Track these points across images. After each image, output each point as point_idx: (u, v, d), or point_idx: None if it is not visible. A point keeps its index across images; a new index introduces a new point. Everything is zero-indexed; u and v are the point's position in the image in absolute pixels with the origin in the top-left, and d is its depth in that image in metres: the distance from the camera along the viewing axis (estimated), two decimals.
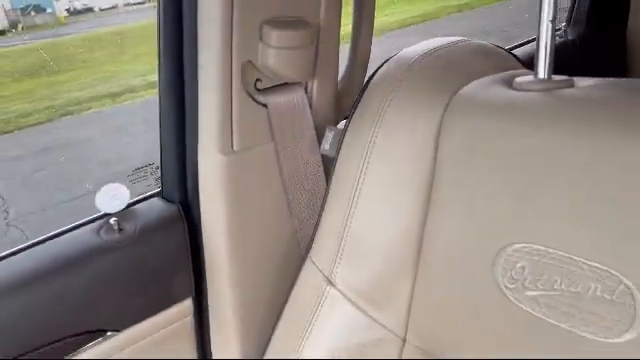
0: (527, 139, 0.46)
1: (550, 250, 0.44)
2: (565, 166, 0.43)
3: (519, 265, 0.46)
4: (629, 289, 0.40)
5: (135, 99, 5.48)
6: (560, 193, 0.43)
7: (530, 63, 0.54)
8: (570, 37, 1.21)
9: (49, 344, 0.60)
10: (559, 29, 1.24)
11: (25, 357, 0.59)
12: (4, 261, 0.61)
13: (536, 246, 0.45)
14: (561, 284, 0.44)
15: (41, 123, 5.08)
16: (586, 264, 0.42)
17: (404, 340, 0.58)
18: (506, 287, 0.47)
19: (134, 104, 5.33)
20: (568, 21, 1.26)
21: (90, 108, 5.40)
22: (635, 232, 0.40)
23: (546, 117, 0.46)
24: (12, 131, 4.93)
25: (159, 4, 0.63)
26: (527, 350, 0.47)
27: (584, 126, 0.44)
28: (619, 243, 0.40)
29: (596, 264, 0.41)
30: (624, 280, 0.40)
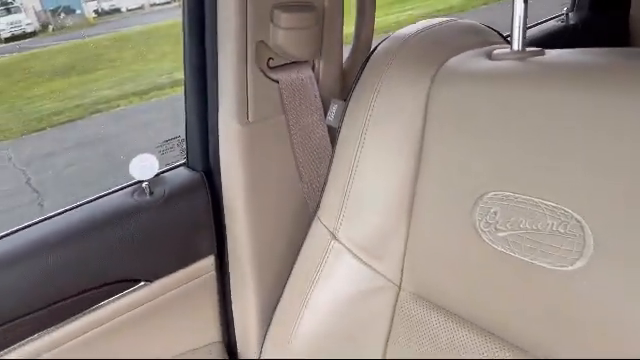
0: (501, 100, 0.54)
1: (517, 195, 0.52)
2: (532, 120, 0.51)
3: (492, 210, 0.54)
4: (579, 222, 0.47)
5: (161, 97, 5.66)
6: (526, 144, 0.51)
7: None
8: (572, 22, 1.26)
9: (92, 289, 0.71)
10: (561, 14, 1.29)
11: (75, 298, 0.69)
12: (52, 219, 0.72)
13: (506, 193, 0.53)
14: (525, 223, 0.52)
15: (72, 120, 5.30)
16: (544, 204, 0.50)
17: (400, 287, 0.66)
18: (482, 230, 0.55)
19: (160, 101, 5.51)
20: (572, 6, 1.30)
21: (118, 106, 5.60)
22: (584, 174, 0.47)
23: (517, 80, 0.54)
24: (45, 128, 5.16)
25: None
26: (499, 284, 0.54)
27: (550, 84, 0.51)
28: (572, 185, 0.48)
29: (552, 203, 0.49)
30: (575, 215, 0.48)
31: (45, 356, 0.69)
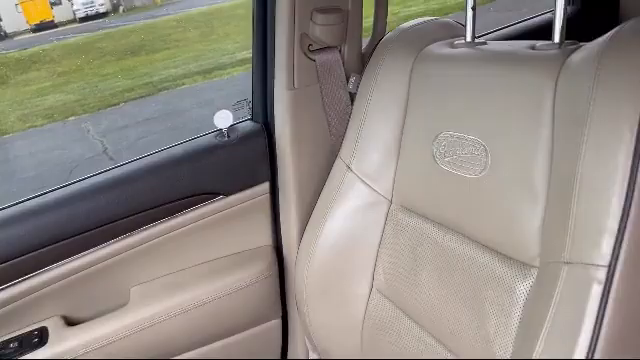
0: (453, 74, 0.89)
1: (456, 133, 0.87)
2: (469, 86, 0.85)
3: (443, 144, 0.89)
4: (485, 147, 0.82)
5: (223, 76, 6.15)
6: (464, 101, 0.86)
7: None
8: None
9: (186, 197, 1.11)
10: (552, 10, 1.53)
11: (174, 203, 1.09)
12: (162, 152, 1.13)
13: (450, 132, 0.88)
14: (459, 151, 0.86)
15: (142, 97, 5.91)
16: (469, 137, 0.84)
17: (391, 201, 1.02)
18: (437, 157, 0.90)
19: (222, 80, 5.99)
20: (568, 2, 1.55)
21: (183, 84, 6.15)
22: (491, 119, 0.81)
23: (464, 60, 0.89)
24: (118, 104, 5.79)
25: None
26: (446, 192, 0.89)
27: (481, 63, 0.85)
28: (484, 125, 0.82)
29: (471, 136, 0.84)
30: (482, 142, 0.82)
31: (145, 246, 1.10)
